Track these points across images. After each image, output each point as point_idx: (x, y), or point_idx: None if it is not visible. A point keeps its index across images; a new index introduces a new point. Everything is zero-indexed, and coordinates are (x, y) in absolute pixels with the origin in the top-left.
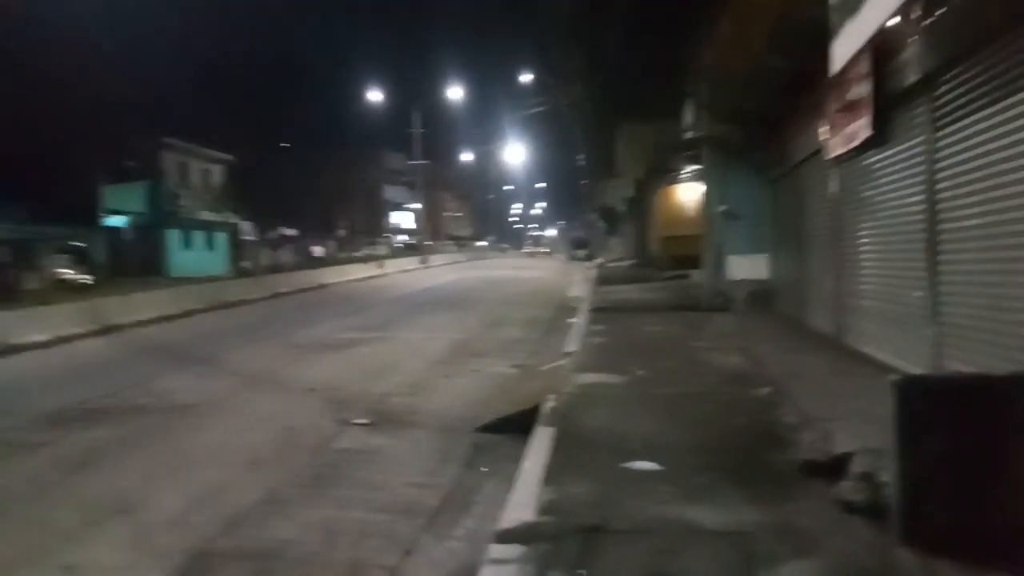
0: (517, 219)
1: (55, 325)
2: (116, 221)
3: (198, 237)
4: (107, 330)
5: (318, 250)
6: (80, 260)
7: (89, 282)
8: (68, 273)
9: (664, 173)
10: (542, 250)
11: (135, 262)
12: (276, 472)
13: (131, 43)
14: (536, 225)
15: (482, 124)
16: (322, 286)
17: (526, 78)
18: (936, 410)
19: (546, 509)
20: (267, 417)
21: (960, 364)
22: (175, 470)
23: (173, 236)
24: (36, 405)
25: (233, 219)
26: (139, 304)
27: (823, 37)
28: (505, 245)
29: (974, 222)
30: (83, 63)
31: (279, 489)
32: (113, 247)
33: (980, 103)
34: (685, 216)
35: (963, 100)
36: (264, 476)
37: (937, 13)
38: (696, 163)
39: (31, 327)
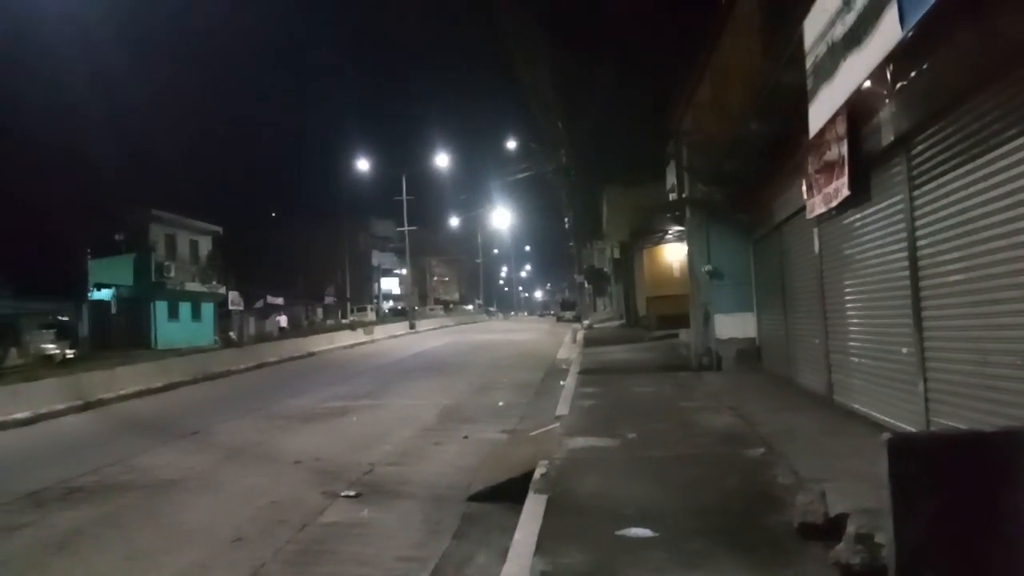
0: (504, 282)
1: (37, 401)
2: (102, 294)
3: (185, 308)
4: (90, 405)
5: (283, 320)
6: (64, 334)
7: (73, 356)
8: (52, 348)
9: (649, 234)
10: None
11: (121, 335)
12: (261, 549)
13: (120, 116)
14: (522, 288)
15: (469, 190)
16: (310, 354)
17: (512, 145)
18: (930, 469)
19: None
20: (252, 492)
21: (951, 420)
22: (157, 550)
23: (160, 308)
24: (17, 485)
25: (220, 289)
26: (123, 378)
27: (801, 101)
28: (492, 308)
29: (957, 277)
30: (70, 135)
31: (265, 567)
32: (99, 320)
33: (956, 161)
34: (671, 276)
35: (939, 159)
36: (249, 554)
37: (910, 76)
38: (680, 224)
39: (13, 404)
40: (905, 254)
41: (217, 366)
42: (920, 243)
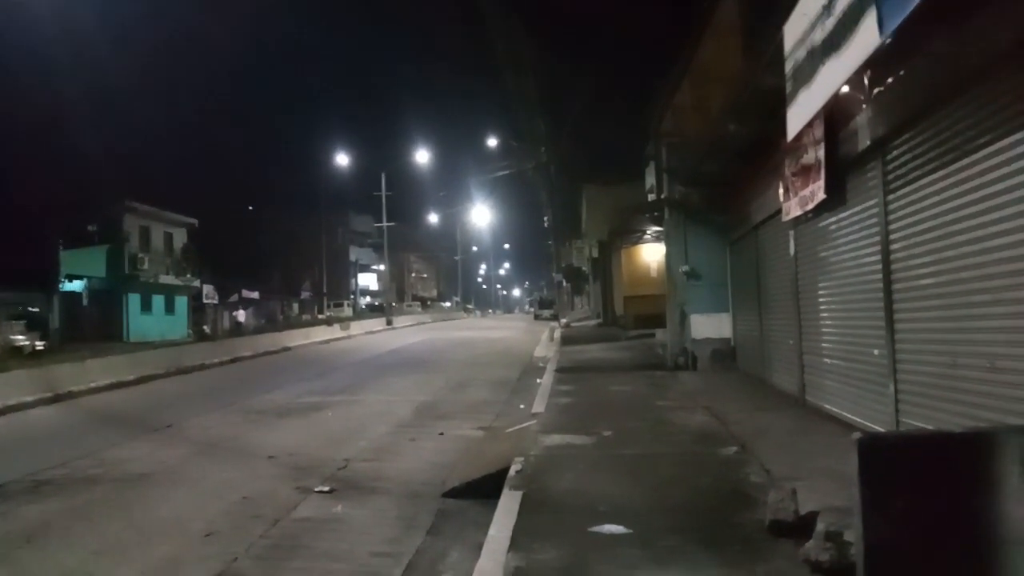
0: (483, 280)
1: (5, 393)
2: (74, 286)
3: (158, 301)
4: (60, 398)
5: (241, 315)
6: (34, 326)
7: (43, 348)
8: (22, 339)
9: (627, 234)
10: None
11: (93, 327)
12: (233, 544)
13: (95, 105)
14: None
15: (449, 186)
16: (285, 349)
17: (492, 142)
18: (899, 468)
19: None
20: (224, 486)
21: (920, 421)
22: (127, 544)
23: (133, 300)
24: None
25: (194, 282)
26: (94, 370)
27: (779, 104)
28: (470, 306)
29: (928, 281)
30: (44, 124)
31: (237, 562)
32: (70, 312)
33: (930, 166)
34: (648, 276)
35: (914, 164)
36: (221, 548)
37: (887, 82)
38: (658, 224)
39: None
40: (878, 257)
41: (190, 360)
42: (893, 247)
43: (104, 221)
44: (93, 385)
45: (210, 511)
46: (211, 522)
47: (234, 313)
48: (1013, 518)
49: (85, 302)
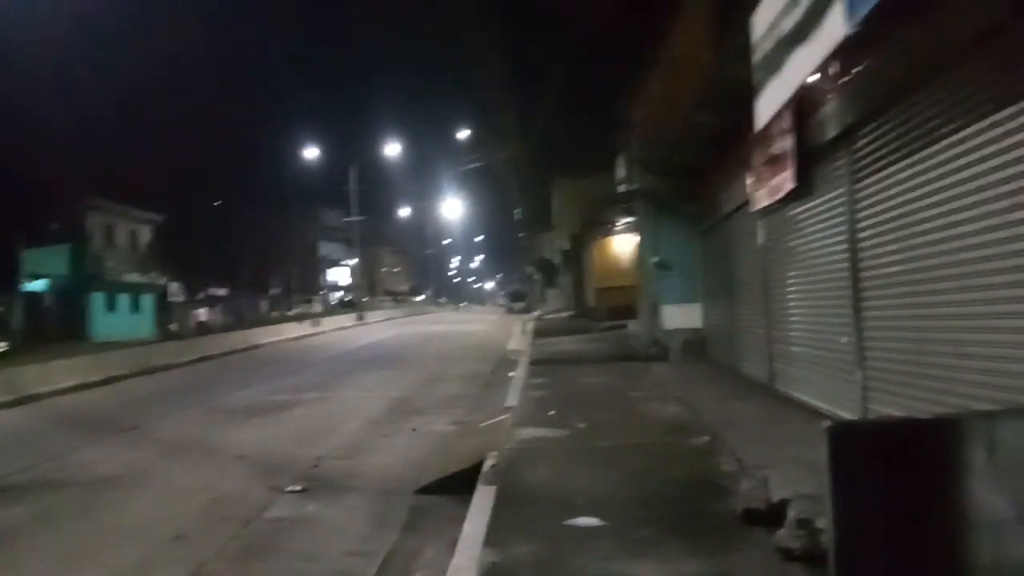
0: (455, 273)
1: None
2: (36, 285)
3: (123, 300)
4: (23, 400)
5: (202, 313)
6: None
7: (5, 349)
8: None
9: (599, 225)
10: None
11: (56, 327)
12: (204, 546)
13: (57, 100)
14: (474, 278)
15: (420, 179)
16: (255, 347)
17: (463, 134)
18: (868, 455)
19: (488, 573)
20: (194, 487)
21: (887, 407)
22: (95, 549)
23: (97, 299)
24: None
25: (160, 280)
26: (58, 371)
27: (748, 94)
28: (443, 299)
29: (895, 268)
30: (3, 120)
31: (207, 564)
32: (33, 312)
33: (897, 155)
34: (620, 267)
35: (881, 153)
36: (191, 551)
37: (853, 72)
38: (630, 215)
39: None
40: (846, 246)
41: (157, 359)
42: (860, 235)
43: (66, 219)
44: (58, 386)
45: (179, 513)
46: (181, 524)
47: (194, 312)
48: (980, 502)
49: (48, 302)
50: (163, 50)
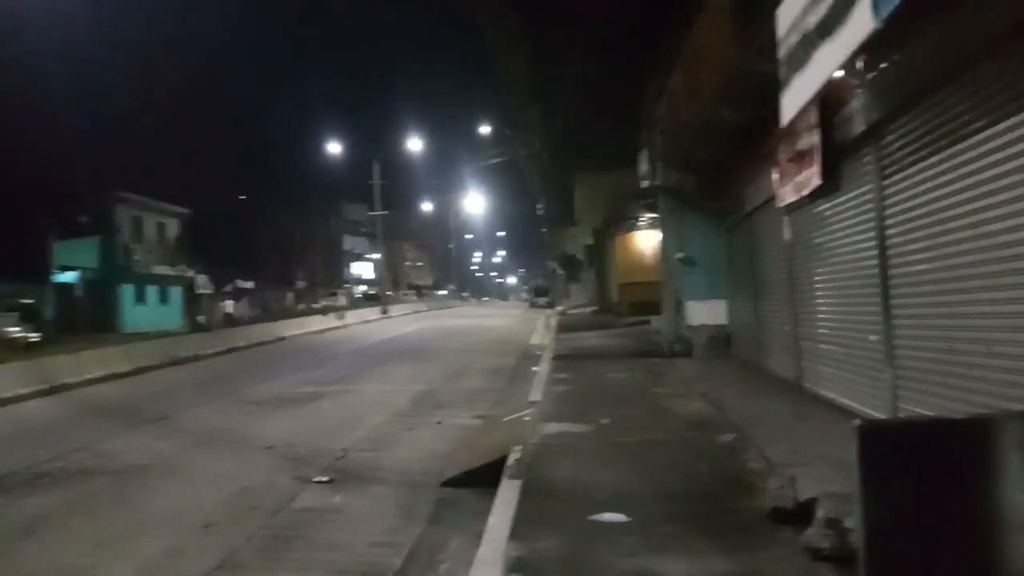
0: (478, 268)
1: (0, 386)
2: (67, 277)
3: (152, 292)
4: (55, 390)
5: (229, 305)
6: (28, 317)
7: (37, 340)
8: (15, 331)
9: (622, 221)
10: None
11: (86, 318)
12: (233, 535)
13: (87, 96)
14: (496, 273)
15: (442, 174)
16: (281, 339)
17: (485, 130)
18: (899, 455)
19: (513, 566)
20: (222, 477)
21: (917, 407)
22: (125, 536)
23: (126, 291)
24: None
25: (188, 273)
26: (89, 362)
27: (773, 89)
28: (466, 294)
29: (924, 267)
30: (35, 115)
31: (236, 552)
32: (64, 303)
33: (925, 152)
34: (644, 263)
35: (909, 149)
36: (220, 540)
37: (880, 67)
38: (653, 211)
39: None
40: (874, 243)
41: (185, 350)
42: (889, 232)
43: (95, 212)
44: (88, 377)
45: (208, 502)
46: (210, 513)
47: (221, 304)
48: (1013, 503)
49: (78, 293)
50: (191, 49)
